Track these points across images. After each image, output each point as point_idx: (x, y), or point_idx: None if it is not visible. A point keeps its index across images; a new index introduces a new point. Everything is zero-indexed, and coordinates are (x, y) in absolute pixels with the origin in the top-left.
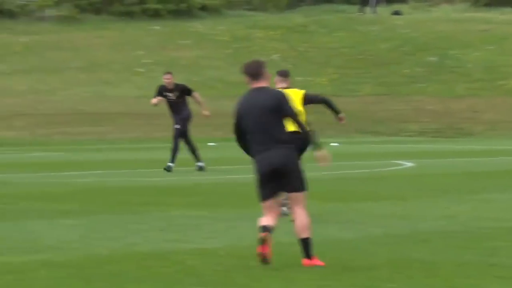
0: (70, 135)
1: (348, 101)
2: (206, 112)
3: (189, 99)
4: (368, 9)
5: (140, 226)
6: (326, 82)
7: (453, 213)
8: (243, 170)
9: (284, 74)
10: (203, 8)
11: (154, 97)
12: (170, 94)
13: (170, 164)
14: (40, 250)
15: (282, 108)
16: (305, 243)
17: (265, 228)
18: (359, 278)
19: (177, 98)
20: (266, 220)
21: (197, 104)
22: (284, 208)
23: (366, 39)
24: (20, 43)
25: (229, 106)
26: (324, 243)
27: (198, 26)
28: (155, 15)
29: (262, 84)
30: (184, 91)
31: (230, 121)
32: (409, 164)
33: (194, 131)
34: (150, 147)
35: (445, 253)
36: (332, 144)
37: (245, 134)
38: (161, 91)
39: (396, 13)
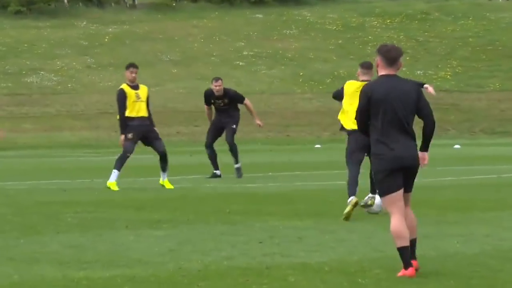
0: (160, 136)
1: (474, 97)
2: (258, 122)
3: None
4: None
5: (236, 237)
6: (450, 77)
7: None
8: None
9: (368, 66)
10: None
11: (205, 104)
12: (219, 101)
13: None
14: (125, 264)
15: (421, 102)
16: (413, 245)
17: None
18: None
19: (226, 105)
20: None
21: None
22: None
23: (496, 27)
24: (108, 34)
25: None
26: (443, 257)
27: (306, 13)
28: (258, 1)
29: (394, 72)
30: (234, 99)
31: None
32: None
33: (301, 131)
34: (248, 149)
35: None
36: (454, 146)
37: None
38: (209, 97)
39: None
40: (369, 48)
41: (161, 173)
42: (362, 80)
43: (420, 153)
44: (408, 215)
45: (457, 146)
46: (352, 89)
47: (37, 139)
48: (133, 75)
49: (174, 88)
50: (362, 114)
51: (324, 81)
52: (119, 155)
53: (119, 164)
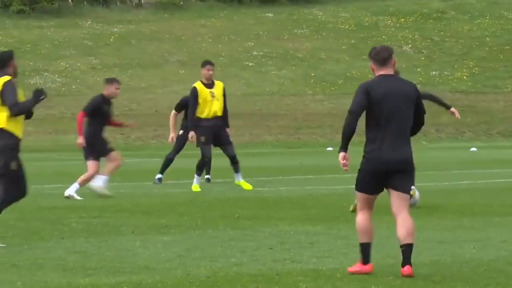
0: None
1: (492, 98)
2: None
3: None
4: None
5: (246, 243)
6: (466, 77)
7: None
8: None
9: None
10: None
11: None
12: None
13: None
14: (131, 271)
15: (419, 102)
16: (410, 250)
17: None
18: None
19: None
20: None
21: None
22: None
23: None
24: (113, 34)
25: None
26: (458, 263)
27: (318, 12)
28: (268, 0)
29: (391, 71)
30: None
31: None
32: None
33: (312, 134)
34: (258, 152)
35: None
36: (471, 149)
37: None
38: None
39: None
40: None
41: (235, 174)
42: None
43: None
44: (406, 220)
45: (473, 149)
46: None
47: (41, 142)
48: (210, 72)
49: (182, 89)
50: (356, 112)
51: (336, 82)
52: (198, 161)
53: (200, 170)
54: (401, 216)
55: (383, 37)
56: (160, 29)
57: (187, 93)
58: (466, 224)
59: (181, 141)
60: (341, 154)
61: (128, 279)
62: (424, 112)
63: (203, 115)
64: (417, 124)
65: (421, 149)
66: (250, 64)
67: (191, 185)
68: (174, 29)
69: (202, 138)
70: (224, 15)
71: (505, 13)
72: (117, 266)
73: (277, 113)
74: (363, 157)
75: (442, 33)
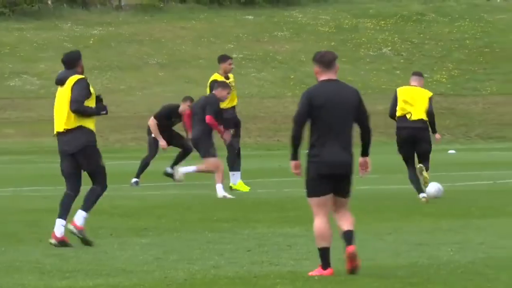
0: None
1: (471, 101)
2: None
3: None
4: None
5: (224, 246)
6: (445, 80)
7: None
8: None
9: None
10: None
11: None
12: (178, 120)
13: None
14: (109, 273)
15: (361, 107)
16: (351, 234)
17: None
18: None
19: None
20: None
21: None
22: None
23: (493, 29)
24: (93, 36)
25: None
26: (436, 266)
27: (298, 15)
28: (249, 2)
29: (334, 76)
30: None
31: None
32: None
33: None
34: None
35: None
36: (449, 151)
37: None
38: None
39: None
40: (363, 50)
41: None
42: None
43: (361, 159)
44: (346, 213)
45: (452, 151)
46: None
47: (19, 145)
48: (231, 66)
49: (161, 92)
50: (300, 119)
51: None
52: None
53: (236, 164)
54: (341, 212)
55: (363, 39)
56: (140, 31)
57: (167, 95)
58: (444, 227)
59: (156, 145)
60: (293, 163)
61: (105, 282)
62: (367, 118)
63: (227, 105)
64: (363, 130)
65: None
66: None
67: (172, 187)
68: (154, 31)
69: (232, 131)
70: (204, 18)
71: (485, 15)
72: (95, 268)
73: (256, 116)
74: (308, 162)
75: (421, 35)
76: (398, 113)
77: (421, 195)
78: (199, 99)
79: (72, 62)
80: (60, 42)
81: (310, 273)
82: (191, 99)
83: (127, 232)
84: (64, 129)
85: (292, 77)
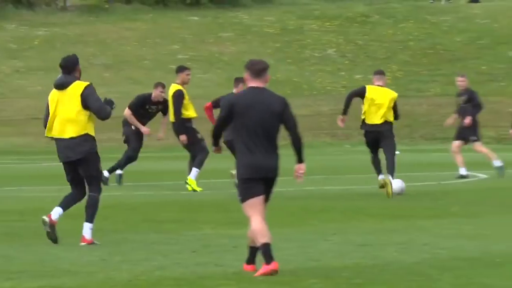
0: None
1: (415, 102)
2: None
3: None
4: None
5: (169, 247)
6: (390, 81)
7: None
8: (291, 182)
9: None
10: None
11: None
12: (153, 107)
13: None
14: (53, 275)
15: (287, 114)
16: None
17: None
18: None
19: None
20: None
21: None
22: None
23: (437, 30)
24: (38, 37)
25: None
26: (380, 266)
27: (243, 16)
28: (194, 3)
29: (262, 85)
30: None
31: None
32: (483, 176)
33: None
34: (181, 155)
35: None
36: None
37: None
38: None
39: (474, 0)
40: (308, 51)
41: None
42: (379, 85)
43: (296, 166)
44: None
45: (396, 153)
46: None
47: None
48: (189, 77)
49: (106, 92)
50: (221, 123)
51: None
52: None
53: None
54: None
55: (308, 40)
56: (85, 32)
57: (112, 96)
58: (388, 227)
59: (138, 136)
60: (214, 148)
61: (49, 283)
62: (295, 125)
63: (192, 115)
64: (292, 137)
65: (345, 152)
66: (175, 67)
67: (116, 188)
68: (99, 32)
69: (199, 135)
70: (149, 19)
71: (429, 17)
72: (40, 270)
73: (202, 117)
74: (237, 167)
75: (366, 37)
76: (362, 116)
77: (380, 176)
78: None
79: (71, 66)
80: (4, 43)
81: (255, 275)
82: (163, 85)
83: (72, 233)
84: (71, 136)
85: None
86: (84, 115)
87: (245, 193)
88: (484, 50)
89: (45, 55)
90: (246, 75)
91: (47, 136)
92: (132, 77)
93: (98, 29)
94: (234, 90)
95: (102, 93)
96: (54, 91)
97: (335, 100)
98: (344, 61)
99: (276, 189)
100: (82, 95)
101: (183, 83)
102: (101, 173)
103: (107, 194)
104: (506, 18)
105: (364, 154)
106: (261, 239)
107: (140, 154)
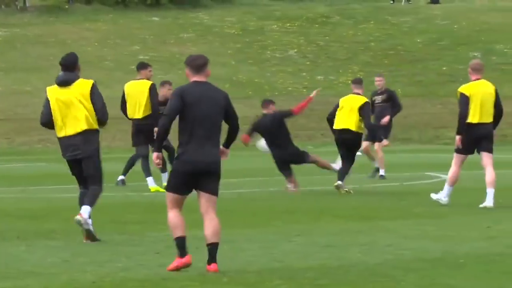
0: (54, 144)
1: None
2: None
3: None
4: None
5: (132, 248)
6: (351, 82)
7: (495, 233)
8: (253, 183)
9: (359, 82)
10: None
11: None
12: (162, 108)
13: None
14: (16, 276)
15: (229, 110)
16: (215, 248)
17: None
18: None
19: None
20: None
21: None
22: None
23: (398, 31)
24: None
25: (239, 110)
26: (344, 267)
27: (204, 17)
28: (154, 4)
29: (204, 79)
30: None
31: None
32: (446, 176)
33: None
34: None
35: (484, 280)
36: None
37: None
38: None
39: (434, 1)
40: (269, 52)
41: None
42: (356, 93)
43: (221, 148)
44: (213, 220)
45: (358, 153)
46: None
47: None
48: (151, 73)
49: None
50: (170, 115)
51: (222, 86)
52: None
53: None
54: (208, 216)
55: (269, 41)
56: (45, 32)
57: None
58: (352, 228)
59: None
60: (155, 154)
61: (13, 285)
62: (236, 119)
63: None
64: (231, 129)
65: None
66: (136, 68)
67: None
68: (59, 32)
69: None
70: (109, 19)
71: (389, 18)
72: (2, 271)
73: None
74: (175, 159)
75: (327, 37)
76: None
77: (338, 182)
78: (266, 117)
79: (71, 64)
80: None
81: (169, 268)
82: (170, 83)
83: (35, 235)
84: (82, 129)
85: None
86: (92, 111)
87: (172, 187)
88: (445, 51)
89: (5, 55)
90: (187, 70)
91: (59, 137)
92: (92, 78)
93: (58, 30)
94: (264, 111)
95: None
96: (54, 88)
97: (296, 101)
98: (305, 62)
99: (240, 190)
100: (90, 92)
101: (146, 80)
102: (101, 169)
103: (71, 195)
104: (466, 19)
105: (326, 155)
106: (177, 233)
107: (104, 155)
